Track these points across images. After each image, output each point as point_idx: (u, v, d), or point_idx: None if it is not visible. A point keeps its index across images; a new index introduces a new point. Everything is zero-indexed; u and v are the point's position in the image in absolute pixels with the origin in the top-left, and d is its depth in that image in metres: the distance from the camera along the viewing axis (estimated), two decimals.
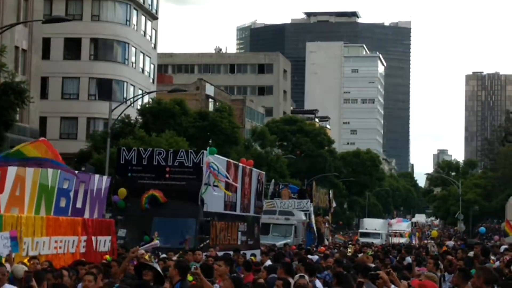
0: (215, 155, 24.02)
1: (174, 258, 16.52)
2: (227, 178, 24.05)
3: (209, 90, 78.31)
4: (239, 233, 26.92)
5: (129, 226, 22.17)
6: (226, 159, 26.68)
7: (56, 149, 13.94)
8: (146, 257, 15.27)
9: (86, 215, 16.67)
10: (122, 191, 22.88)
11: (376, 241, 59.33)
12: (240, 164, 27.41)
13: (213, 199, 23.85)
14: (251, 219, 28.56)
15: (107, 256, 15.23)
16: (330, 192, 68.14)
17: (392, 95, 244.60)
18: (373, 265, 15.50)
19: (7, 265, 10.98)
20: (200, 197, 23.20)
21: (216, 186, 23.63)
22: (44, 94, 54.45)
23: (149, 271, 10.67)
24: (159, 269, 11.23)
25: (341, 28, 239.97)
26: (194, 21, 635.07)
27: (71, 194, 16.00)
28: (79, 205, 16.39)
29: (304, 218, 46.07)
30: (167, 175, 23.46)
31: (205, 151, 23.74)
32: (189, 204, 22.89)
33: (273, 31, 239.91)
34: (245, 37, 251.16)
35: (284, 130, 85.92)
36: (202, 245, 22.22)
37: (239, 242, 26.43)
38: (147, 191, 22.95)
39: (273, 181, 54.90)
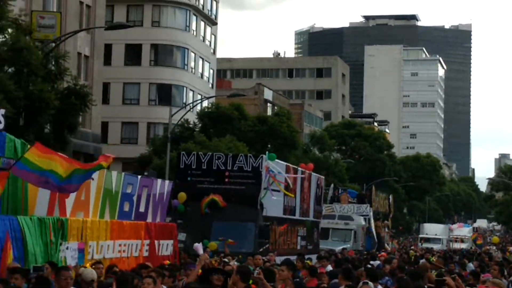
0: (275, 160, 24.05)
1: (232, 262, 16.61)
2: (287, 177, 24.07)
3: (268, 94, 78.39)
4: (299, 237, 26.88)
5: (188, 230, 22.35)
6: (285, 163, 26.69)
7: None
8: (213, 261, 15.38)
9: (149, 219, 16.87)
10: (182, 195, 23.10)
11: (437, 247, 58.55)
12: (300, 168, 27.38)
13: (272, 204, 23.88)
14: (310, 224, 28.50)
15: (167, 261, 15.38)
16: (390, 197, 67.47)
17: (452, 98, 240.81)
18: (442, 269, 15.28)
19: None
20: (259, 201, 23.27)
21: (275, 190, 23.65)
22: (105, 100, 55.28)
23: (220, 275, 10.64)
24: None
25: (400, 31, 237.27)
26: (253, 26, 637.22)
27: (135, 198, 16.21)
28: (142, 209, 16.59)
29: (363, 223, 45.77)
30: (226, 180, 23.60)
31: (264, 156, 23.79)
32: (248, 208, 22.97)
33: (331, 35, 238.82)
34: (303, 41, 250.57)
35: (342, 134, 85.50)
36: (261, 249, 22.28)
37: (298, 247, 26.40)
38: (207, 196, 23.11)
39: (332, 185, 54.65)
